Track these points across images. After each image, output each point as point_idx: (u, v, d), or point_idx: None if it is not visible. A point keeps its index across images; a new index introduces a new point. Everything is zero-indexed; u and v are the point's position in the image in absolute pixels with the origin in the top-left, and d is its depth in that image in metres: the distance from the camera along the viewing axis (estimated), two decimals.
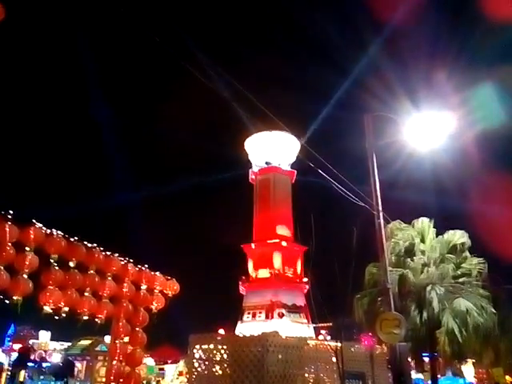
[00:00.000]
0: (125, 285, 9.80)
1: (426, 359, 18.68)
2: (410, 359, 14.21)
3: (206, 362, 11.38)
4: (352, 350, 17.03)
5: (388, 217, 14.90)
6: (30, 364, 25.15)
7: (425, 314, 15.45)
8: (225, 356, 11.36)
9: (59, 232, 8.86)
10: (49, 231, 8.67)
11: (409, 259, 16.59)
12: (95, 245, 9.33)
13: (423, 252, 16.88)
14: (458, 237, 17.04)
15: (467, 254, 16.93)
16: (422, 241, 17.21)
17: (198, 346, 11.68)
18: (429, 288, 15.53)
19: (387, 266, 11.49)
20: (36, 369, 25.32)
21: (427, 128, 11.76)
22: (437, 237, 17.39)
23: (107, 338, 20.50)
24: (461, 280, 16.39)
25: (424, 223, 17.56)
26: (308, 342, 15.11)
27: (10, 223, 8.02)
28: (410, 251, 16.85)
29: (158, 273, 10.57)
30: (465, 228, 17.64)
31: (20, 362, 24.00)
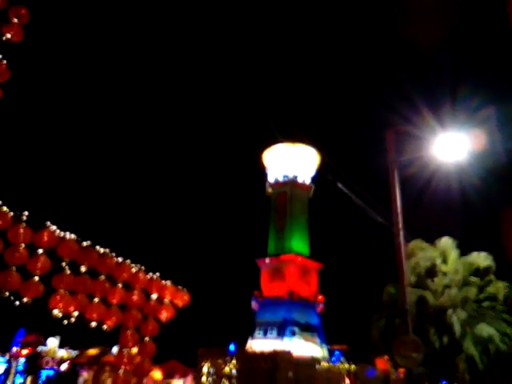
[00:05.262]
0: (135, 292, 9.61)
1: None
2: None
3: (214, 376, 11.04)
4: (366, 372, 16.41)
5: (410, 235, 14.50)
6: (36, 371, 25.00)
7: (445, 339, 14.88)
8: (234, 371, 11.00)
9: (72, 236, 8.79)
10: (62, 234, 8.61)
11: (429, 280, 16.09)
12: (107, 250, 9.20)
13: (445, 273, 16.36)
14: (483, 259, 16.48)
15: (492, 277, 16.34)
16: (444, 262, 16.70)
17: (206, 360, 11.38)
18: (450, 312, 14.98)
19: (406, 286, 11.04)
20: (42, 376, 25.16)
21: (452, 144, 11.40)
22: (460, 258, 16.85)
23: (115, 349, 20.33)
24: (484, 304, 15.78)
25: (447, 243, 17.06)
26: (320, 362, 14.61)
27: (24, 224, 7.99)
28: (430, 272, 16.36)
29: (168, 282, 10.36)
30: (492, 250, 17.05)
31: (27, 369, 23.89)
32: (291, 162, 38.88)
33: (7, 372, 23.85)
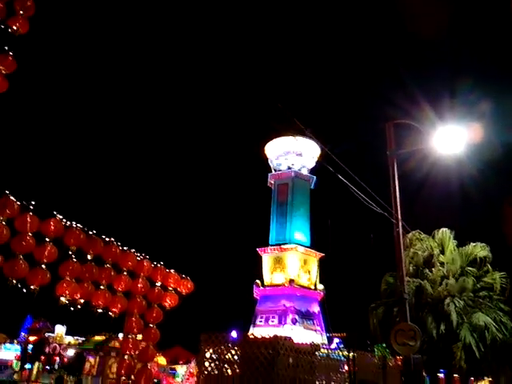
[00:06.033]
0: (140, 280, 9.83)
1: (441, 375, 18.27)
2: (424, 373, 13.92)
3: (217, 362, 11.32)
4: (365, 359, 16.71)
5: (409, 226, 14.67)
6: (43, 357, 25.42)
7: (442, 327, 15.13)
8: (235, 357, 11.29)
9: (79, 225, 8.96)
10: (69, 223, 8.78)
11: (427, 270, 16.32)
12: (113, 239, 9.40)
13: (442, 264, 16.56)
14: (480, 249, 16.67)
15: (489, 267, 16.54)
16: (442, 252, 16.88)
17: (209, 346, 11.67)
18: (447, 300, 15.22)
19: (404, 275, 11.27)
20: (49, 362, 25.58)
21: (451, 137, 11.52)
22: (458, 248, 17.02)
23: (121, 336, 20.64)
24: (481, 294, 16.02)
25: (445, 234, 17.22)
26: (320, 348, 14.92)
27: (31, 213, 8.14)
28: (428, 262, 16.58)
29: (172, 270, 10.57)
30: (489, 240, 17.20)
31: (34, 354, 24.27)
32: (293, 153, 38.96)
33: (23, 358, 24.27)
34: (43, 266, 8.26)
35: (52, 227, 8.38)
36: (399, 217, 11.56)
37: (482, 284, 16.27)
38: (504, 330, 14.81)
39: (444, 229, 17.44)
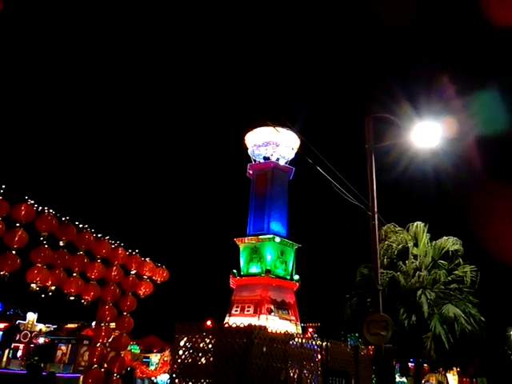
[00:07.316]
0: (114, 268, 9.71)
1: (411, 364, 18.71)
2: (394, 362, 14.22)
3: (191, 351, 11.31)
4: (337, 348, 16.93)
5: (384, 218, 14.87)
6: (14, 344, 25.01)
7: (413, 318, 15.45)
8: (209, 346, 11.29)
9: (51, 210, 8.77)
10: (40, 208, 8.59)
11: (401, 262, 16.59)
12: (86, 226, 9.24)
13: (416, 256, 16.86)
14: (451, 243, 17.03)
15: (460, 260, 16.94)
16: (416, 245, 17.18)
17: (183, 335, 11.63)
18: (419, 292, 15.53)
19: (379, 267, 11.41)
20: (20, 349, 25.20)
21: (428, 132, 11.64)
22: (431, 242, 17.36)
23: (94, 324, 20.40)
24: (451, 286, 16.40)
25: (419, 227, 17.52)
26: (294, 338, 15.07)
27: (1, 198, 7.94)
28: (402, 254, 16.85)
29: (148, 259, 10.48)
30: (461, 235, 17.61)
31: (4, 341, 23.84)
32: (273, 144, 38.96)
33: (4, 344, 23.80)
34: (13, 252, 8.09)
35: (23, 212, 8.20)
36: (375, 209, 11.67)
37: (453, 277, 16.65)
38: (473, 321, 15.24)
39: (418, 222, 17.75)
